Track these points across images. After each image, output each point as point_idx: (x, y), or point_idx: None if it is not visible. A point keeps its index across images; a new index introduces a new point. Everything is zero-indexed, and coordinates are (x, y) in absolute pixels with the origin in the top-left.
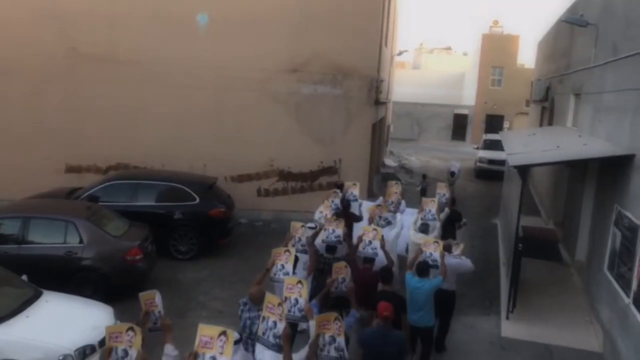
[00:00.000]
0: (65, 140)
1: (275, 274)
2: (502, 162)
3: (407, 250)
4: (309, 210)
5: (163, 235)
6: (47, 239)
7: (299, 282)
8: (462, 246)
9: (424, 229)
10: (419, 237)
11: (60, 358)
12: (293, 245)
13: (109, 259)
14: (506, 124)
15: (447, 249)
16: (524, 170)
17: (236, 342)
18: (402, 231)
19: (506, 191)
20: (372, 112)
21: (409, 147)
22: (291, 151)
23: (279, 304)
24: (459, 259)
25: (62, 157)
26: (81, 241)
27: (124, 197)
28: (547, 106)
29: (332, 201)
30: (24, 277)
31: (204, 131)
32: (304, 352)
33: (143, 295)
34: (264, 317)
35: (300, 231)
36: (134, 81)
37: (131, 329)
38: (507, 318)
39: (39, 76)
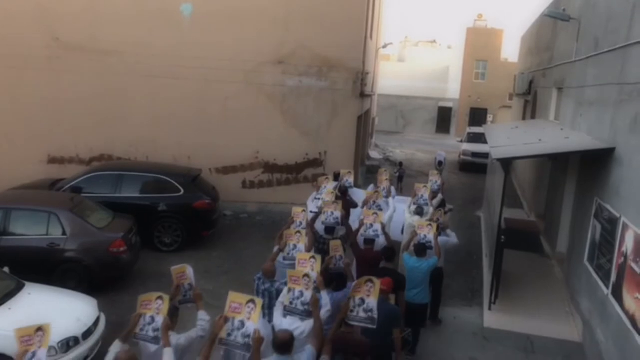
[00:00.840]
0: (47, 131)
1: (288, 253)
2: (485, 155)
3: (402, 232)
4: (294, 202)
5: (147, 227)
6: (29, 230)
7: (312, 257)
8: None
9: (419, 211)
10: (415, 220)
11: None
12: (295, 229)
13: (92, 250)
14: (490, 118)
15: (443, 228)
16: (506, 163)
17: None
18: (394, 215)
19: (489, 184)
20: (357, 104)
21: (393, 139)
22: (276, 143)
23: (304, 275)
24: (446, 237)
25: (45, 148)
26: (64, 233)
27: (108, 189)
28: (530, 100)
29: (325, 187)
30: (6, 269)
31: (188, 123)
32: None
33: (175, 269)
34: (290, 289)
35: (301, 216)
36: (118, 72)
37: (160, 297)
38: (490, 309)
39: (21, 66)
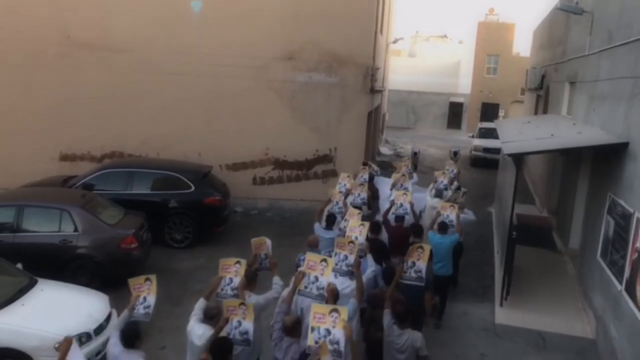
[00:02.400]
0: (59, 129)
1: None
2: (497, 151)
3: (420, 216)
4: (304, 198)
5: (158, 224)
6: (41, 227)
7: (362, 224)
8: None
9: (438, 194)
10: (436, 202)
11: (56, 346)
12: (330, 209)
13: (104, 247)
14: (501, 113)
15: (461, 207)
16: (518, 159)
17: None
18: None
19: (501, 179)
20: (367, 100)
21: (404, 135)
22: (286, 139)
23: (350, 242)
24: (464, 215)
25: (57, 146)
26: (76, 229)
27: (119, 186)
28: (542, 94)
29: (362, 176)
30: (19, 266)
31: (198, 119)
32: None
33: (254, 241)
34: (336, 253)
35: (337, 196)
36: (128, 69)
37: (238, 262)
38: (501, 305)
39: (33, 64)
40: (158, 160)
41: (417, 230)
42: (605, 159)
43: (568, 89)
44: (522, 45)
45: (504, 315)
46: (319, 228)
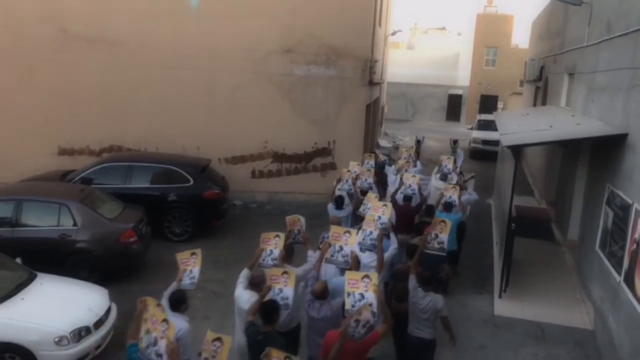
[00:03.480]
0: (58, 123)
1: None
2: (496, 143)
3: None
4: (303, 191)
5: (157, 217)
6: (40, 221)
7: (384, 204)
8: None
9: (443, 178)
10: (440, 184)
11: (56, 340)
12: (340, 188)
13: (103, 241)
14: (500, 104)
15: (463, 189)
16: (517, 150)
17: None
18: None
19: (500, 171)
20: (366, 92)
21: (403, 127)
22: (285, 132)
23: (372, 221)
24: (467, 196)
25: (55, 140)
26: (75, 224)
27: (118, 180)
28: (541, 86)
29: (368, 162)
30: (18, 260)
31: (197, 113)
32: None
33: (289, 218)
34: (363, 229)
35: (346, 175)
36: (127, 63)
37: (277, 235)
38: (500, 297)
39: (30, 58)
40: (157, 154)
41: (430, 210)
42: (603, 150)
43: (567, 80)
44: (521, 37)
45: (503, 307)
46: (331, 208)
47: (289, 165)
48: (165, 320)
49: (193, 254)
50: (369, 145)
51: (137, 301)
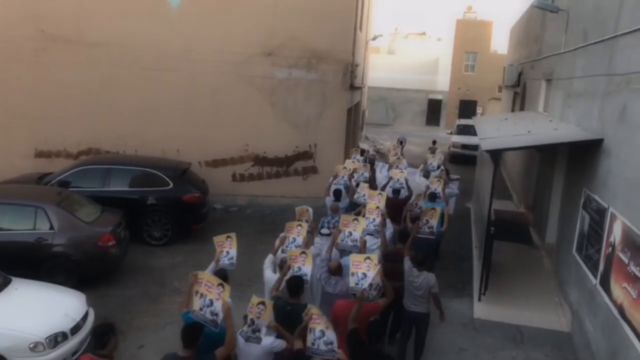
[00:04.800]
0: (34, 125)
1: (356, 197)
2: (475, 147)
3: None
4: (284, 195)
5: (136, 221)
6: (16, 225)
7: (379, 193)
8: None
9: (427, 175)
10: (422, 181)
11: (31, 346)
12: (336, 184)
13: (80, 245)
14: (479, 110)
15: (445, 183)
16: (496, 155)
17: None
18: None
19: (479, 175)
20: (347, 96)
21: (384, 132)
22: (266, 136)
23: (377, 207)
24: (449, 189)
25: (32, 142)
26: (52, 227)
27: (96, 183)
28: (519, 92)
29: (354, 157)
30: None
31: (176, 115)
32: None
33: (298, 209)
34: (367, 217)
35: (342, 171)
36: (105, 64)
37: (300, 225)
38: (479, 300)
39: (6, 59)
40: (136, 157)
41: (403, 235)
42: (580, 155)
43: (544, 86)
44: (500, 43)
45: (482, 310)
46: (330, 201)
47: (270, 169)
48: (220, 284)
49: (228, 237)
50: (350, 149)
51: (189, 275)
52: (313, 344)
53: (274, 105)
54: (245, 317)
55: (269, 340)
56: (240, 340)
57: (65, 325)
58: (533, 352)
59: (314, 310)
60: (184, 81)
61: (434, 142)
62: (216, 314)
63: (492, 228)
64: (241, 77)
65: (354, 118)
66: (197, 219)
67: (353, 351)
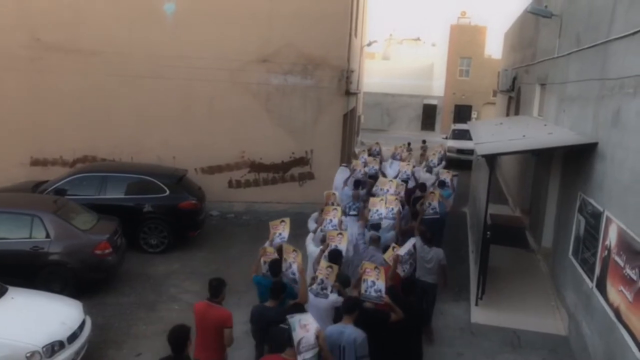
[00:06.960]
0: (30, 133)
1: (375, 190)
2: (470, 152)
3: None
4: (281, 201)
5: (133, 229)
6: (12, 233)
7: (390, 180)
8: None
9: (429, 170)
10: (427, 176)
11: (28, 355)
12: (354, 176)
13: (77, 253)
14: (474, 114)
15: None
16: (491, 159)
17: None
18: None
19: (474, 180)
20: (342, 102)
21: (379, 137)
22: (262, 142)
23: (395, 199)
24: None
25: (27, 151)
26: (48, 236)
27: (92, 190)
28: (514, 96)
29: (362, 157)
30: None
31: (173, 123)
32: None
33: (326, 193)
34: (387, 206)
35: (359, 166)
36: (100, 72)
37: (335, 209)
38: (477, 304)
39: (2, 67)
40: (132, 165)
41: (422, 187)
42: (575, 159)
43: (539, 90)
44: (494, 47)
45: (480, 314)
46: (347, 190)
47: (267, 175)
48: (295, 251)
49: (282, 221)
50: (346, 154)
51: (259, 249)
52: (366, 290)
53: (269, 111)
54: (314, 278)
55: (333, 297)
56: (311, 295)
57: (62, 334)
58: (531, 356)
59: (367, 264)
60: (180, 88)
61: (424, 142)
62: (294, 274)
63: (488, 232)
64: (237, 84)
65: (349, 124)
66: (193, 226)
67: (393, 300)
